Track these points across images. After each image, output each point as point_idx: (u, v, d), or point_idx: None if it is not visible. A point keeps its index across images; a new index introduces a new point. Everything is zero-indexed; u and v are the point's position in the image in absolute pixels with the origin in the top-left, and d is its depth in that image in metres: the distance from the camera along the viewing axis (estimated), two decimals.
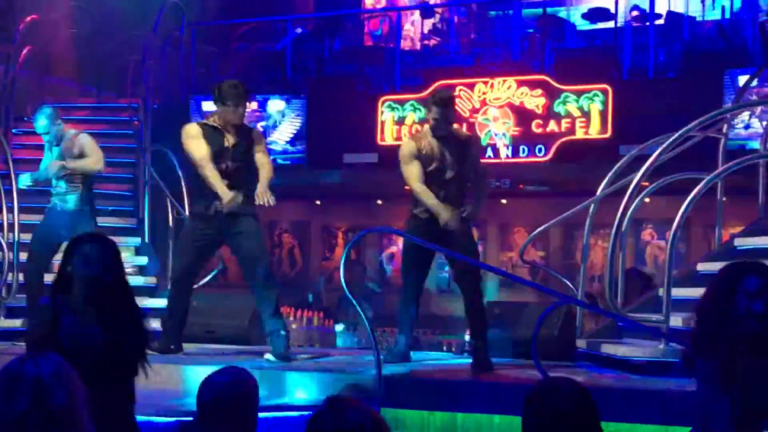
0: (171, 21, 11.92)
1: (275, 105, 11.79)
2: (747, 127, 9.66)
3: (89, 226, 7.52)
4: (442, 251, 6.47)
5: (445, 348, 9.51)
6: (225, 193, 6.64)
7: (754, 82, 8.92)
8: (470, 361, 6.73)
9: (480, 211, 6.84)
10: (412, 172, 6.61)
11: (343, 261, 6.30)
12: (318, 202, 14.25)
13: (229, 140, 6.81)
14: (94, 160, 7.86)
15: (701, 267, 7.42)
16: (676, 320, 6.34)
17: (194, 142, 6.81)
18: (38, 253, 7.85)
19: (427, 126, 6.80)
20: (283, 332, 6.72)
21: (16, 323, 8.01)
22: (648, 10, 11.29)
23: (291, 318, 9.02)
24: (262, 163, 6.83)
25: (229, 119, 6.80)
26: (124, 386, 3.88)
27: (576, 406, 2.82)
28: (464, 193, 6.76)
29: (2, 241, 7.84)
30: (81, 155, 7.87)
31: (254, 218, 6.86)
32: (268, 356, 6.65)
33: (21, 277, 7.99)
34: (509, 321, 7.36)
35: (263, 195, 6.60)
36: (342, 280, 6.10)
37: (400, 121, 11.23)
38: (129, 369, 3.88)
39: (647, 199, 7.59)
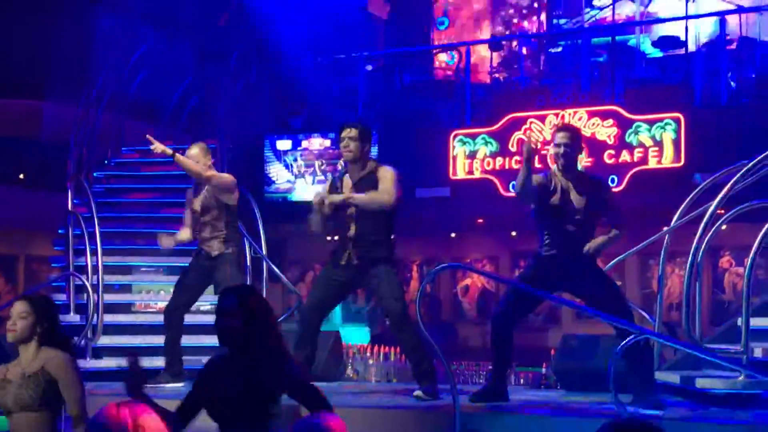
0: (245, 62, 12.16)
1: None
2: None
3: (232, 272, 7.51)
4: (549, 298, 6.36)
5: (522, 381, 9.50)
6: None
7: None
8: (545, 393, 6.68)
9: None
10: None
11: (418, 298, 6.35)
12: (391, 236, 14.33)
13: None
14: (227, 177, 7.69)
15: None
16: (757, 351, 6.30)
17: None
18: (175, 294, 7.71)
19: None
20: (428, 370, 6.70)
21: (101, 364, 8.20)
22: (719, 36, 11.23)
23: (367, 353, 9.08)
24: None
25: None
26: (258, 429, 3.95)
27: None
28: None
29: (88, 283, 8.05)
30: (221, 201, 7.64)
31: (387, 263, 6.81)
32: (418, 393, 6.62)
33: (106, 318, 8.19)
34: (586, 353, 7.34)
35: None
36: (418, 315, 6.13)
37: (472, 155, 11.29)
38: (260, 412, 3.95)
39: (724, 226, 7.54)
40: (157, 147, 7.63)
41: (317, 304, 6.89)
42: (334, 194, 6.77)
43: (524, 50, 13.55)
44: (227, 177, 7.66)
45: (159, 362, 7.52)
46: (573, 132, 6.57)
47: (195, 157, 7.57)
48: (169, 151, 7.56)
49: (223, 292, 4.21)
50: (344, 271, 6.77)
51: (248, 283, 8.91)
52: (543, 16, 16.45)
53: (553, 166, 6.51)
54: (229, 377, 3.95)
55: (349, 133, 6.78)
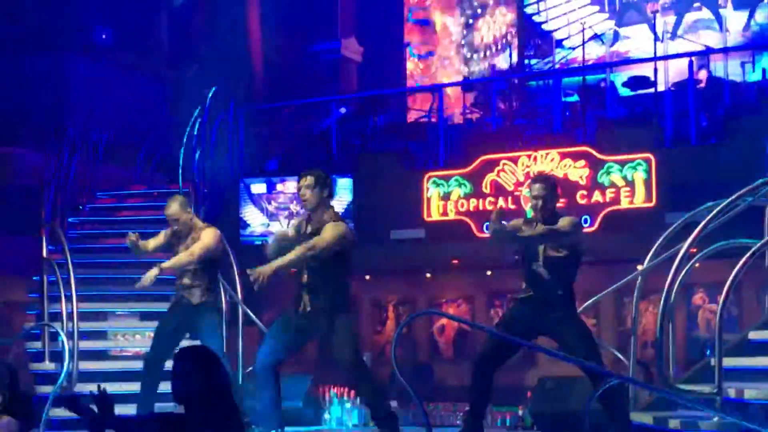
0: (219, 105, 12.20)
1: None
2: None
3: (213, 320, 7.49)
4: (524, 345, 6.41)
5: (498, 422, 9.49)
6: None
7: None
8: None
9: None
10: None
11: (395, 341, 6.36)
12: (367, 277, 14.35)
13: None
14: (194, 253, 7.50)
15: (753, 335, 7.41)
16: (731, 391, 6.34)
17: None
18: (155, 343, 7.65)
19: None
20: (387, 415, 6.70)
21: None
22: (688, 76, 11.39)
23: (345, 397, 9.07)
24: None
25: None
26: None
27: None
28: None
29: (62, 332, 8.01)
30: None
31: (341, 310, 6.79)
32: None
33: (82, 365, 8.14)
34: (561, 396, 7.37)
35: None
36: (392, 356, 6.13)
37: (446, 197, 11.35)
38: None
39: (697, 264, 7.62)
40: (147, 280, 7.42)
41: (273, 350, 6.86)
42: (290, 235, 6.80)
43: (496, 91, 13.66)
44: (212, 241, 7.55)
45: (133, 409, 7.48)
46: (548, 182, 6.65)
47: (175, 215, 7.51)
48: (156, 272, 7.40)
49: (178, 353, 4.21)
50: (301, 319, 6.79)
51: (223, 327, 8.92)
52: (515, 57, 16.63)
53: (531, 212, 6.62)
54: None
55: (305, 181, 6.80)
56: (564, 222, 6.50)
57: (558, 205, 6.75)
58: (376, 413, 6.80)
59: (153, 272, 7.34)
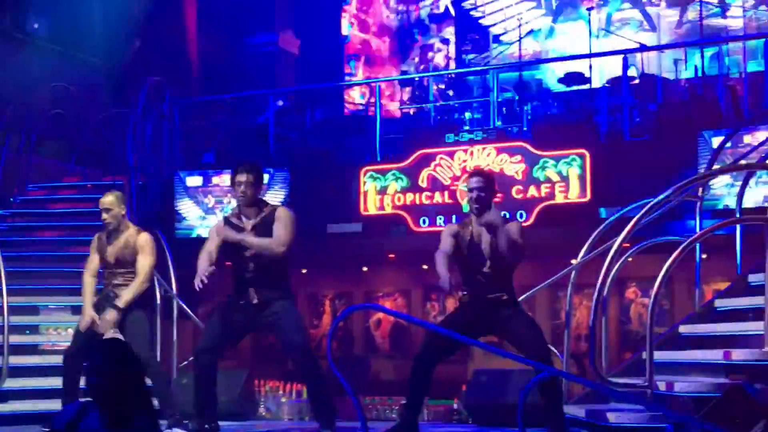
0: (154, 97, 12.08)
1: None
2: (731, 186, 9.80)
3: (140, 317, 7.33)
4: (467, 342, 6.43)
5: (433, 415, 9.56)
6: None
7: (728, 143, 9.10)
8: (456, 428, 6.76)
9: None
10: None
11: (330, 333, 6.33)
12: (304, 271, 14.32)
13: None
14: (144, 275, 7.31)
15: (684, 329, 7.53)
16: (661, 384, 6.44)
17: None
18: (76, 337, 7.45)
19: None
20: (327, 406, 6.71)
21: (7, 408, 8.02)
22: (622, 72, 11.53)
23: (280, 391, 9.05)
24: None
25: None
26: None
27: None
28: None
29: None
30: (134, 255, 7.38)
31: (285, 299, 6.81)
32: None
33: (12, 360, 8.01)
34: (496, 388, 7.42)
35: None
36: (328, 351, 6.11)
37: (383, 191, 11.37)
38: None
39: (630, 258, 7.73)
40: (106, 327, 7.22)
41: (211, 345, 6.82)
42: (230, 231, 6.74)
43: (434, 86, 13.71)
44: (154, 256, 7.40)
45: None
46: (486, 176, 6.65)
47: (109, 205, 7.35)
48: (115, 316, 7.23)
49: (92, 349, 4.19)
50: (243, 312, 6.75)
51: (157, 321, 8.85)
52: (452, 52, 16.70)
53: (468, 209, 6.61)
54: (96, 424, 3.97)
55: (246, 177, 6.74)
56: (514, 232, 6.45)
57: (495, 200, 6.78)
58: (315, 403, 6.78)
59: (112, 316, 7.21)
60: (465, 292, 6.56)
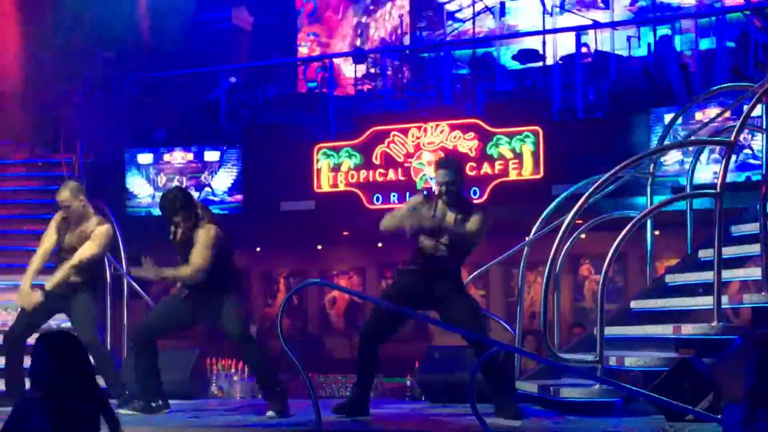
0: (105, 74, 11.93)
1: (211, 155, 11.82)
2: (681, 163, 9.86)
3: (85, 300, 7.21)
4: (412, 316, 6.45)
5: (388, 392, 9.54)
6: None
7: (679, 120, 9.15)
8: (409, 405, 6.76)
9: None
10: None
11: (281, 311, 6.29)
12: (258, 249, 14.25)
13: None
14: (82, 257, 7.12)
15: (635, 305, 7.58)
16: (612, 359, 6.47)
17: None
18: (21, 317, 7.30)
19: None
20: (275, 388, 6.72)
21: None
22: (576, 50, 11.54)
23: (232, 370, 8.99)
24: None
25: None
26: None
27: None
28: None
29: None
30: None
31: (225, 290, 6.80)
32: (271, 414, 6.59)
33: None
34: (447, 365, 7.42)
35: None
36: (279, 328, 6.07)
37: (336, 168, 11.31)
38: None
39: (583, 236, 7.76)
40: (30, 305, 7.09)
41: (154, 323, 6.84)
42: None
43: (388, 62, 13.63)
44: (98, 249, 7.21)
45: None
46: (454, 167, 6.55)
47: (66, 201, 7.14)
48: (39, 297, 7.06)
49: (38, 339, 4.20)
50: (189, 303, 6.75)
51: (107, 301, 8.77)
52: (406, 28, 16.62)
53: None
54: (41, 419, 3.95)
55: (179, 218, 6.67)
56: (474, 224, 6.44)
57: None
58: (263, 385, 6.77)
59: (36, 297, 7.08)
60: (410, 265, 6.53)
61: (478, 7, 14.79)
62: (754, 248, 6.71)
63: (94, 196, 10.07)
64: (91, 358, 6.90)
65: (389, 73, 13.62)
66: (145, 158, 11.94)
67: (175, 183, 11.52)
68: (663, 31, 12.29)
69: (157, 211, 11.64)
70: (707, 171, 9.57)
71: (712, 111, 9.48)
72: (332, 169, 11.33)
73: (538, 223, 7.74)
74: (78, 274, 7.14)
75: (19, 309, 7.34)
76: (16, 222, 10.24)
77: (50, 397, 4.01)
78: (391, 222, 6.46)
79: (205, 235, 6.64)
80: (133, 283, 8.66)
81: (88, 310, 7.16)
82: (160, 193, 11.68)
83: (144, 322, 6.91)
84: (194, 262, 6.59)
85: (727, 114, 8.77)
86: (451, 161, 6.75)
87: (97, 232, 7.17)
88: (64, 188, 7.18)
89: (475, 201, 10.71)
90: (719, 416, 5.26)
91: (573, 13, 14.49)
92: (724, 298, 6.55)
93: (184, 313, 6.83)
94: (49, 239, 7.29)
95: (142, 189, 11.92)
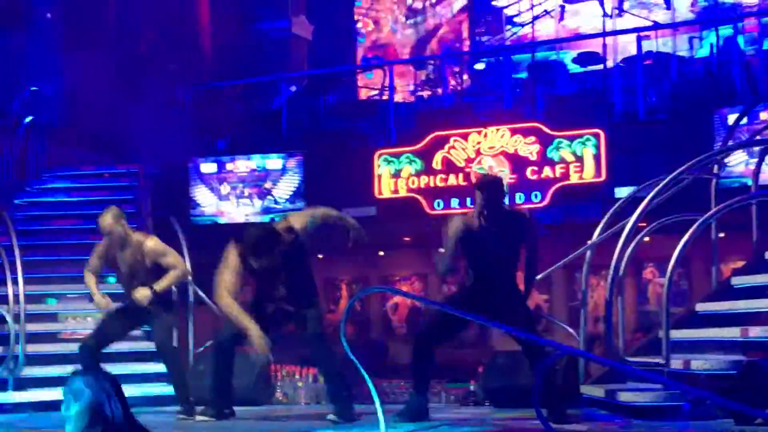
0: (168, 84, 12.09)
1: (273, 163, 11.92)
2: (746, 164, 9.73)
3: (165, 319, 7.34)
4: (474, 319, 6.50)
5: (451, 397, 9.55)
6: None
7: (744, 120, 9.04)
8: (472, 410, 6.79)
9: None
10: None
11: (344, 318, 6.34)
12: (320, 256, 14.32)
13: None
14: (179, 268, 7.30)
15: (700, 307, 7.50)
16: (677, 362, 6.41)
17: None
18: (99, 333, 7.41)
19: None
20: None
21: (25, 396, 8.06)
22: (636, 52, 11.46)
23: (297, 375, 9.06)
24: None
25: None
26: None
27: None
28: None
29: (6, 314, 7.90)
30: (156, 263, 7.28)
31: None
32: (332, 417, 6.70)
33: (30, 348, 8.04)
34: (511, 370, 7.40)
35: None
36: (342, 334, 6.11)
37: (397, 174, 11.34)
38: None
39: (647, 238, 7.69)
40: (144, 300, 7.20)
41: (230, 326, 6.85)
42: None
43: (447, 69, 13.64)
44: (166, 248, 7.36)
45: None
46: (494, 186, 6.60)
47: (108, 228, 7.15)
48: (149, 293, 7.20)
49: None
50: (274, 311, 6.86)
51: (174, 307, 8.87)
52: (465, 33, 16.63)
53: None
54: None
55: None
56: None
57: (510, 180, 6.74)
58: (333, 392, 6.82)
59: (145, 292, 7.16)
60: (468, 280, 6.57)
61: (537, 11, 14.75)
62: None
63: (159, 205, 10.31)
64: (164, 365, 7.13)
65: (449, 78, 13.63)
66: (208, 167, 12.08)
67: (239, 191, 11.64)
68: (725, 31, 12.16)
69: (221, 219, 11.86)
70: None
71: None
72: (393, 175, 11.36)
73: (600, 227, 7.69)
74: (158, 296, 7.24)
75: (100, 319, 7.45)
76: (84, 232, 10.40)
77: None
78: (444, 263, 6.55)
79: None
80: (198, 291, 8.76)
81: (168, 317, 7.29)
82: (224, 203, 11.90)
83: (222, 332, 6.95)
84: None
85: None
86: (491, 181, 6.76)
87: (153, 246, 7.23)
88: (107, 213, 7.18)
89: (535, 204, 10.73)
90: None
91: (632, 14, 14.40)
92: None
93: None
94: (92, 264, 7.41)
95: (205, 198, 12.05)
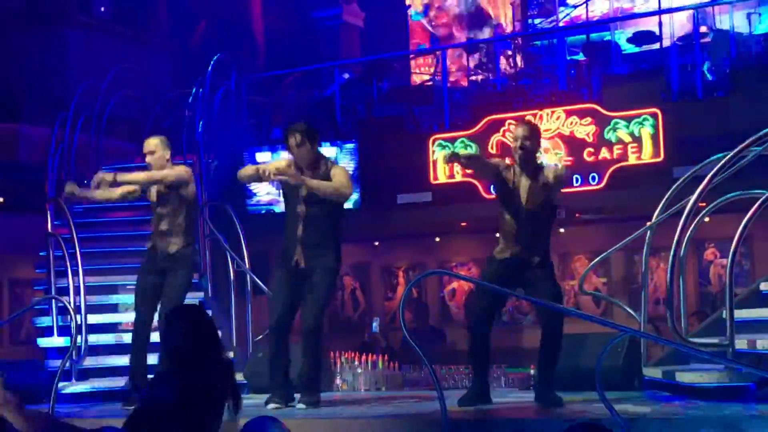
0: (221, 75, 12.12)
1: (327, 151, 11.89)
2: None
3: (186, 275, 7.41)
4: (515, 296, 6.51)
5: (512, 382, 9.47)
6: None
7: None
8: (533, 394, 6.76)
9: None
10: None
11: (402, 303, 6.31)
12: (376, 243, 14.32)
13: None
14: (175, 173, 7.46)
15: (764, 286, 7.35)
16: (742, 343, 6.29)
17: None
18: (139, 306, 7.55)
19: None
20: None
21: (87, 385, 8.15)
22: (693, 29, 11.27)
23: (356, 362, 9.05)
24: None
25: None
26: None
27: None
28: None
29: (69, 305, 7.99)
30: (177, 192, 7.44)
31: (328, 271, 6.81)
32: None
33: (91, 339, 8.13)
34: (573, 353, 7.32)
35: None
36: (401, 320, 6.09)
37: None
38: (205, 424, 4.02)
39: (707, 219, 7.56)
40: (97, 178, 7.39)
41: (280, 315, 6.83)
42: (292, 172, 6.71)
43: (501, 52, 13.52)
44: (181, 169, 7.52)
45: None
46: (531, 127, 6.71)
47: (154, 147, 7.42)
48: (109, 177, 7.37)
49: (169, 314, 4.31)
50: (295, 276, 6.80)
51: (232, 297, 8.92)
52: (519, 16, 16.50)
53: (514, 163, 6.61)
54: (170, 391, 3.98)
55: (294, 140, 6.73)
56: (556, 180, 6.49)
57: (566, 162, 6.72)
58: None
59: (107, 176, 7.39)
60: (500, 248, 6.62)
61: None
62: None
63: (215, 195, 10.34)
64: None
65: (502, 61, 13.53)
66: (263, 157, 12.09)
67: None
68: None
69: (277, 208, 11.86)
70: None
71: None
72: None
73: (660, 207, 7.56)
74: (184, 243, 7.34)
75: (136, 296, 7.54)
76: (140, 223, 10.47)
77: (181, 368, 4.03)
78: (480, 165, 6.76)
79: (341, 171, 6.86)
80: (256, 279, 8.78)
81: (183, 287, 7.31)
82: (278, 191, 11.90)
83: (272, 319, 6.92)
84: (344, 179, 6.76)
85: None
86: (530, 122, 7.00)
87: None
88: (155, 136, 7.40)
89: (594, 186, 10.61)
90: None
91: None
92: None
93: (294, 287, 6.82)
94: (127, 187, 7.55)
95: (261, 187, 12.07)
